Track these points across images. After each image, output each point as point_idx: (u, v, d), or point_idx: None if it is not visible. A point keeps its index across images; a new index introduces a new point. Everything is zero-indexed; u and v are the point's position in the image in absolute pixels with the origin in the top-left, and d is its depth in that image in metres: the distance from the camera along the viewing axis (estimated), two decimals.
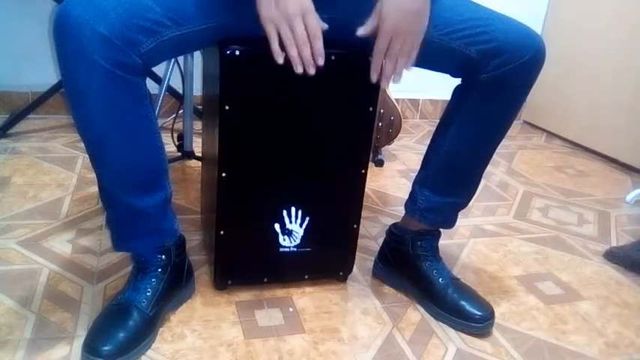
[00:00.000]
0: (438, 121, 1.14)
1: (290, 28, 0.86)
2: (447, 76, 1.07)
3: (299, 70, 0.90)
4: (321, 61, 0.90)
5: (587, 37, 2.40)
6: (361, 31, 0.90)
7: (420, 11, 0.90)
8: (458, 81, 1.08)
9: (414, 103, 2.66)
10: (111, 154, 0.91)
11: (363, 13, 0.91)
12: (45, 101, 2.02)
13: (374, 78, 0.93)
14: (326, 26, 0.88)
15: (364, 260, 1.33)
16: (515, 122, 1.12)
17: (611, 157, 2.31)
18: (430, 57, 1.03)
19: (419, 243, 1.18)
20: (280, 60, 0.89)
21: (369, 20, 0.90)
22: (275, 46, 0.88)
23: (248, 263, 1.16)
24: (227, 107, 1.00)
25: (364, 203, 1.19)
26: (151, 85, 0.93)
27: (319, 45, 0.88)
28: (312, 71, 0.90)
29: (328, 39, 0.91)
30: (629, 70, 2.21)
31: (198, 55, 1.80)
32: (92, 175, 1.03)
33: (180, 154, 1.82)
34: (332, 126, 1.07)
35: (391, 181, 1.89)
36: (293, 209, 1.12)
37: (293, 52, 0.88)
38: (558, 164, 2.24)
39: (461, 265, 1.38)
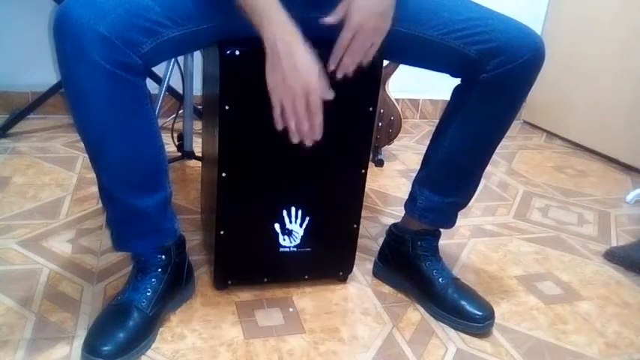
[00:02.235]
0: (437, 121, 1.15)
1: (292, 103, 0.87)
2: (447, 76, 1.07)
3: (295, 141, 0.91)
4: (318, 136, 0.91)
5: (587, 37, 2.41)
6: (326, 20, 0.90)
7: (385, 13, 0.90)
8: (458, 81, 1.08)
9: (414, 103, 2.66)
10: (111, 154, 0.91)
11: None
12: (45, 101, 2.02)
13: (331, 68, 0.92)
14: (332, 96, 0.89)
15: (364, 260, 1.33)
16: (515, 122, 1.12)
17: (611, 157, 2.31)
18: (430, 57, 1.03)
19: (419, 243, 1.18)
20: (279, 127, 0.91)
21: (336, 11, 0.90)
22: (277, 114, 0.90)
23: (248, 263, 1.16)
24: (227, 107, 1.00)
25: (364, 203, 1.19)
26: (151, 85, 0.93)
27: (318, 121, 0.89)
28: (307, 144, 0.91)
29: (328, 39, 0.91)
30: (629, 70, 2.21)
31: (198, 55, 1.80)
32: (92, 175, 1.03)
33: (180, 154, 1.82)
34: (332, 126, 1.06)
35: (391, 181, 1.89)
36: (293, 209, 1.12)
37: (291, 125, 0.90)
38: (558, 164, 2.24)
39: (461, 265, 1.38)
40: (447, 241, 1.45)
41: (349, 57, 0.92)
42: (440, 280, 1.15)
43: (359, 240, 1.21)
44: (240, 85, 0.99)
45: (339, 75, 0.93)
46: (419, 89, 2.61)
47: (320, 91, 0.87)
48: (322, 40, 0.89)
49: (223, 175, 1.05)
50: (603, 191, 1.98)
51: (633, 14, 2.19)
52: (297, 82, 0.86)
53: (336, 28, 0.90)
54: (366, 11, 0.88)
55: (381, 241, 1.29)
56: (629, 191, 1.94)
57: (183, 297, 1.12)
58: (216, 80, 1.00)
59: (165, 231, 1.04)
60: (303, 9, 0.88)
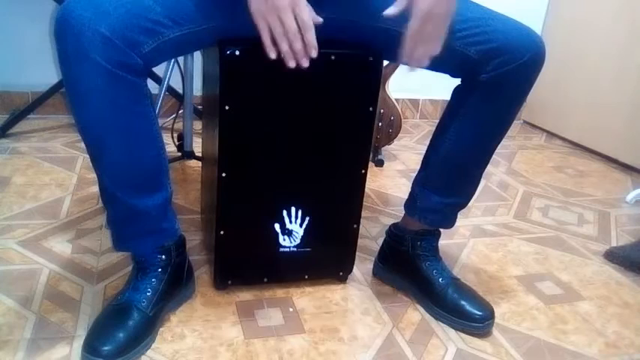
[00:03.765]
0: (438, 121, 1.14)
1: (280, 22, 0.85)
2: (447, 76, 1.07)
3: (291, 64, 0.89)
4: (314, 53, 0.88)
5: (587, 37, 2.41)
6: (390, 11, 0.87)
7: None
8: (458, 81, 1.08)
9: (414, 103, 2.66)
10: (111, 154, 0.91)
11: (362, 13, 0.91)
12: (45, 101, 2.02)
13: (406, 60, 0.89)
14: (320, 19, 0.87)
15: (364, 260, 1.33)
16: (515, 122, 1.12)
17: (611, 157, 2.31)
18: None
19: (419, 243, 1.18)
20: (273, 55, 0.88)
21: (398, 1, 0.87)
22: (267, 40, 0.88)
23: (248, 263, 1.16)
24: (227, 107, 1.00)
25: (364, 203, 1.19)
26: (151, 85, 0.93)
27: (310, 37, 0.87)
28: (305, 64, 0.89)
29: (328, 39, 0.90)
30: (629, 70, 2.21)
31: (198, 55, 1.80)
32: (92, 175, 1.03)
33: (180, 154, 1.82)
34: (332, 126, 1.07)
35: (391, 181, 1.89)
36: (293, 209, 1.12)
37: (284, 46, 0.87)
38: (558, 164, 2.24)
39: (461, 265, 1.38)
40: (447, 241, 1.45)
41: (422, 46, 0.88)
42: (440, 280, 1.15)
43: (359, 240, 1.21)
44: (240, 85, 0.99)
45: (414, 66, 0.89)
46: (419, 89, 2.61)
47: (305, 4, 0.85)
48: (323, 41, 0.89)
49: (223, 175, 1.05)
50: (603, 191, 1.98)
51: (633, 14, 2.19)
52: None
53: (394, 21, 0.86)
54: None
55: (381, 241, 1.29)
56: (629, 191, 1.94)
57: (183, 297, 1.12)
58: (216, 80, 1.00)
59: (165, 231, 1.04)
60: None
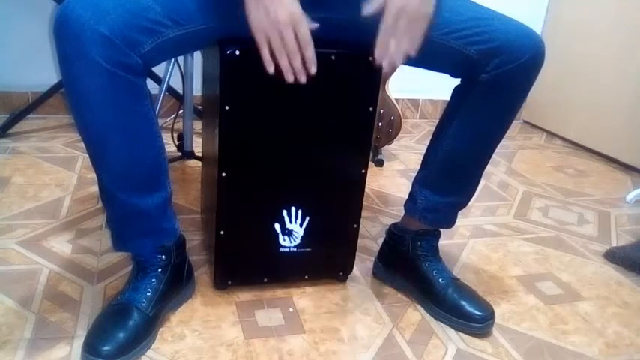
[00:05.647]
0: (437, 121, 1.15)
1: (280, 37, 0.86)
2: (447, 76, 1.07)
3: (290, 78, 0.89)
4: (313, 69, 0.89)
5: (586, 37, 2.41)
6: (367, 10, 0.88)
7: None
8: (458, 81, 1.08)
9: (414, 103, 2.66)
10: (111, 153, 0.91)
11: (359, 13, 0.91)
12: (45, 101, 2.02)
13: (379, 57, 0.89)
14: (316, 25, 0.87)
15: (364, 260, 1.33)
16: (515, 122, 1.12)
17: (611, 157, 2.31)
18: (430, 57, 1.03)
19: (419, 243, 1.18)
20: (271, 69, 0.89)
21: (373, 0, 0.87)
22: (266, 55, 0.88)
23: (248, 263, 1.16)
24: (227, 107, 1.00)
25: (364, 203, 1.19)
26: (151, 85, 0.93)
27: (310, 53, 0.88)
28: (303, 79, 0.90)
29: (327, 39, 0.90)
30: (628, 70, 2.21)
31: (198, 55, 1.80)
32: (92, 175, 1.03)
33: (180, 154, 1.82)
34: (332, 126, 1.07)
35: (391, 181, 1.89)
36: (293, 209, 1.12)
37: (283, 62, 0.88)
38: (558, 164, 2.24)
39: (461, 265, 1.38)
40: (447, 241, 1.45)
41: (396, 43, 0.88)
42: (440, 280, 1.15)
43: (359, 240, 1.21)
44: (240, 85, 0.99)
45: (387, 66, 0.89)
46: (419, 89, 2.61)
47: (305, 20, 0.85)
48: (323, 41, 0.89)
49: (223, 175, 1.05)
50: (603, 191, 1.98)
51: (633, 14, 2.19)
52: (282, 13, 0.84)
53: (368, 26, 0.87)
54: None
55: (381, 241, 1.29)
56: (629, 191, 1.94)
57: (183, 297, 1.12)
58: (216, 80, 1.00)
59: (165, 231, 1.04)
60: (306, 9, 0.88)
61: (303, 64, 0.89)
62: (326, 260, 1.21)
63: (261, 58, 0.89)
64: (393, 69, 0.90)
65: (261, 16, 0.85)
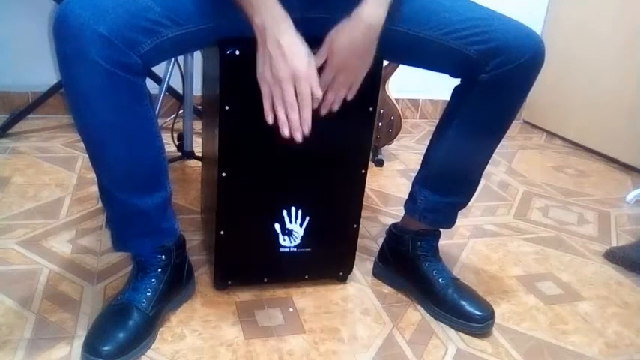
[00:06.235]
0: (438, 121, 1.14)
1: (280, 91, 0.87)
2: (447, 76, 1.07)
3: (285, 133, 0.90)
4: (306, 130, 0.89)
5: (586, 37, 2.41)
6: (315, 62, 0.90)
7: (366, 54, 0.92)
8: (458, 81, 1.08)
9: (414, 103, 2.66)
10: (111, 153, 0.91)
11: None
12: (45, 101, 2.02)
13: (315, 104, 0.91)
14: (320, 94, 0.88)
15: (364, 260, 1.33)
16: (515, 122, 1.12)
17: (611, 157, 2.31)
18: (430, 57, 1.03)
19: (419, 243, 1.18)
20: (269, 120, 0.90)
21: (320, 51, 0.90)
22: (266, 105, 0.90)
23: (248, 263, 1.16)
24: (227, 107, 1.00)
25: (364, 203, 1.19)
26: (151, 85, 0.93)
27: (306, 113, 0.88)
28: (297, 138, 0.89)
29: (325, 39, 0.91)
30: (628, 70, 2.21)
31: (198, 55, 1.80)
32: (92, 175, 1.03)
33: (180, 154, 1.82)
34: (332, 126, 1.07)
35: (391, 181, 1.89)
36: (293, 209, 1.12)
37: (280, 115, 0.89)
38: (558, 164, 2.24)
39: (461, 265, 1.38)
40: (447, 241, 1.45)
41: (332, 93, 0.93)
42: (440, 280, 1.15)
43: (359, 240, 1.21)
44: (240, 85, 0.99)
45: (324, 111, 0.94)
46: (419, 89, 2.61)
47: (309, 79, 0.87)
48: (323, 41, 0.89)
49: (223, 175, 1.05)
50: (603, 191, 1.98)
51: (633, 14, 2.19)
52: (284, 69, 0.85)
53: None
54: (347, 52, 0.89)
55: (381, 241, 1.29)
56: (629, 191, 1.94)
57: (183, 297, 1.12)
58: (216, 80, 1.00)
59: (165, 231, 1.04)
60: (303, 9, 0.88)
61: (299, 121, 0.89)
62: (326, 260, 1.21)
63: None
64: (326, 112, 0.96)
65: (266, 67, 0.87)
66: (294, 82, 0.86)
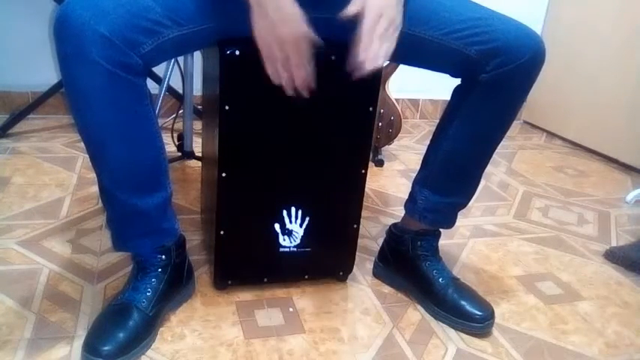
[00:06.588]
0: (438, 121, 1.15)
1: (283, 53, 0.87)
2: (447, 76, 1.07)
3: (290, 92, 0.91)
4: (312, 83, 0.90)
5: (586, 37, 2.41)
6: (347, 11, 0.88)
7: (397, 4, 0.90)
8: (458, 81, 1.08)
9: (414, 103, 2.66)
10: (111, 154, 0.91)
11: None
12: (45, 101, 2.02)
13: (362, 58, 0.89)
14: (321, 42, 0.88)
15: (364, 260, 1.33)
16: (515, 122, 1.12)
17: (611, 157, 2.31)
18: (430, 57, 1.03)
19: (419, 243, 1.18)
20: (277, 81, 0.90)
21: (353, 2, 0.88)
22: (270, 68, 0.90)
23: (248, 263, 1.16)
24: (227, 107, 1.00)
25: (364, 203, 1.19)
26: (151, 85, 0.93)
27: (310, 68, 0.89)
28: (305, 94, 0.91)
29: (328, 39, 0.90)
30: (628, 70, 2.21)
31: (198, 55, 1.80)
32: (92, 175, 1.03)
33: (180, 154, 1.82)
34: (332, 126, 1.07)
35: (391, 181, 1.89)
36: (293, 209, 1.12)
37: (284, 76, 0.89)
38: (558, 164, 2.24)
39: (461, 265, 1.38)
40: (447, 241, 1.45)
41: (378, 42, 0.88)
42: (440, 280, 1.15)
43: (359, 240, 1.21)
44: (240, 85, 0.99)
45: (369, 67, 0.89)
46: (419, 89, 2.61)
47: (310, 38, 0.87)
48: (326, 41, 0.89)
49: (223, 175, 1.05)
50: (603, 191, 1.98)
51: (633, 14, 2.19)
52: (288, 32, 0.85)
53: (346, 27, 0.88)
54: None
55: (381, 241, 1.29)
56: (629, 191, 1.94)
57: (183, 297, 1.12)
58: (216, 80, 1.00)
59: (165, 231, 1.04)
60: (308, 9, 0.88)
61: (305, 79, 0.90)
62: (326, 260, 1.21)
63: (264, 65, 0.90)
64: (372, 70, 0.91)
65: (268, 29, 0.86)
66: (298, 42, 0.86)
